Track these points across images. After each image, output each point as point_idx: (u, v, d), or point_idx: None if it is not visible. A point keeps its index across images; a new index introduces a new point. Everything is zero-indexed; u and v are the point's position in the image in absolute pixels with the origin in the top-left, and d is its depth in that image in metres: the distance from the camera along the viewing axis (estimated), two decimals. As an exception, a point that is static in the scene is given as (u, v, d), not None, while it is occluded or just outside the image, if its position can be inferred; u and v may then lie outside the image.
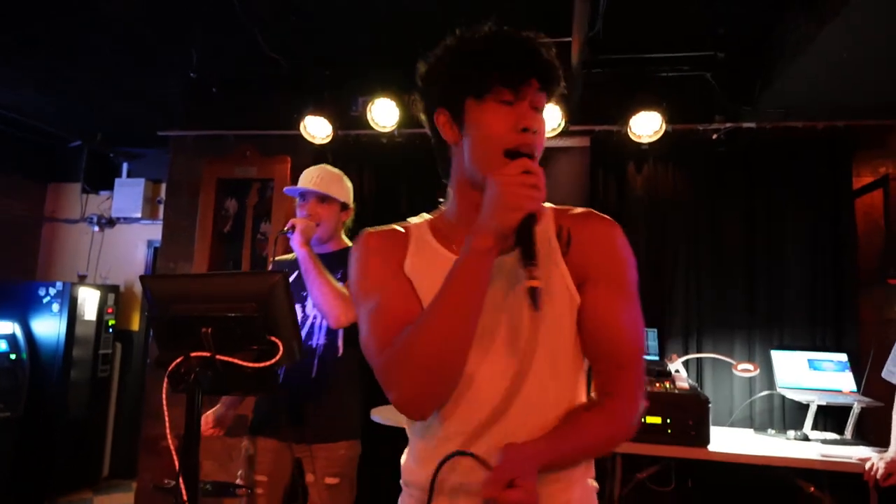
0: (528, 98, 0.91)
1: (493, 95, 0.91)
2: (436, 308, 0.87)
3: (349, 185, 2.14)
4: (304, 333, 1.97)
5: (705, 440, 2.44)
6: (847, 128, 3.03)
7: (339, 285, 1.88)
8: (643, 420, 2.47)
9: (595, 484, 1.02)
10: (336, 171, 2.13)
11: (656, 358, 3.01)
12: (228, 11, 2.79)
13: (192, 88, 3.71)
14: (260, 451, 1.97)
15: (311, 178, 2.06)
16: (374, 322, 0.95)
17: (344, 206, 2.10)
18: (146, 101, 4.04)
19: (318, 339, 1.96)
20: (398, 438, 1.12)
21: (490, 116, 0.91)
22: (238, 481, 2.01)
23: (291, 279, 2.05)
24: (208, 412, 2.06)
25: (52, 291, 4.17)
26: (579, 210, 1.01)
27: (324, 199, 2.04)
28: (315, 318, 1.99)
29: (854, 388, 2.74)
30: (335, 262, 1.97)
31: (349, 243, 2.11)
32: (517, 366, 0.92)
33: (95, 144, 4.74)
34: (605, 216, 1.00)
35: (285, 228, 1.95)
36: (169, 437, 1.31)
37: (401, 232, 1.05)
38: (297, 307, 1.98)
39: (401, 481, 1.06)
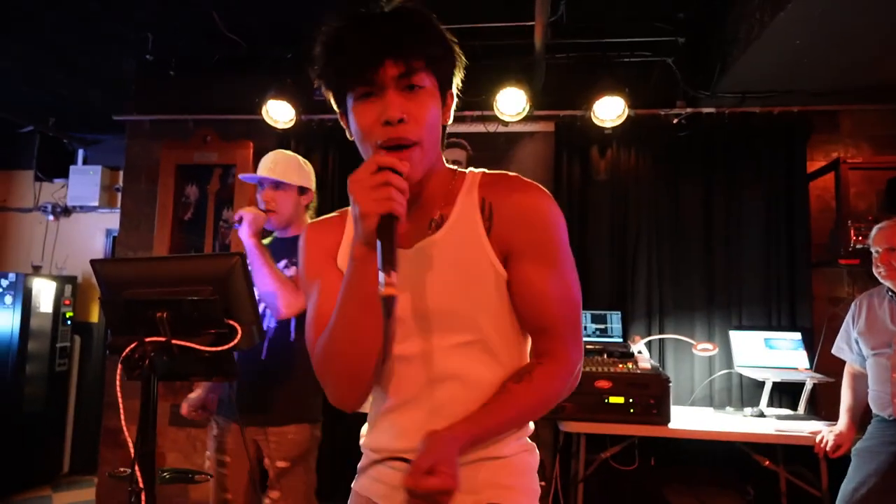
0: (391, 84, 0.86)
1: (355, 93, 0.88)
2: (336, 320, 0.89)
3: (309, 168, 2.12)
4: None
5: (666, 418, 2.50)
6: (801, 113, 3.11)
7: (287, 274, 1.92)
8: (606, 401, 2.54)
9: (531, 443, 1.05)
10: (292, 154, 2.10)
11: (620, 340, 3.07)
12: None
13: (148, 71, 3.59)
14: (224, 432, 1.99)
15: (266, 165, 2.05)
16: (309, 318, 0.98)
17: (302, 190, 2.08)
18: (101, 83, 3.89)
19: (269, 323, 1.97)
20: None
21: (357, 114, 0.89)
22: (206, 462, 2.02)
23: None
24: (189, 396, 2.06)
25: (4, 283, 4.02)
26: (504, 178, 0.98)
27: (278, 185, 2.02)
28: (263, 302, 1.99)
29: (807, 365, 2.85)
30: (295, 248, 1.95)
31: None
32: (448, 344, 0.95)
33: (48, 129, 4.55)
34: (530, 182, 0.97)
35: (234, 220, 1.95)
36: (123, 425, 1.28)
37: (338, 220, 1.05)
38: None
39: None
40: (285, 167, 2.05)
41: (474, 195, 0.96)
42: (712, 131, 3.21)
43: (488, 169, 1.02)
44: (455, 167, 1.02)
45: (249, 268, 1.87)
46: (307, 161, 2.14)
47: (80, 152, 4.83)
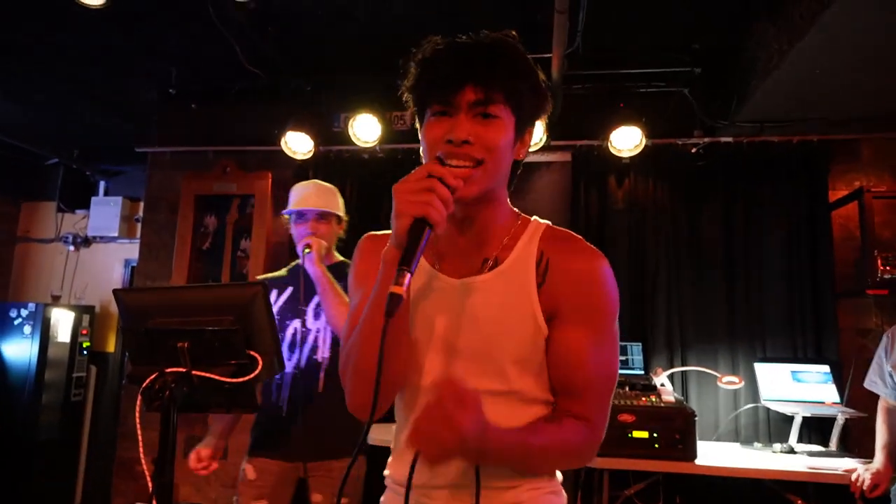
0: (464, 107, 0.88)
1: (432, 109, 0.91)
2: (362, 320, 0.90)
3: (341, 198, 2.14)
4: (307, 348, 1.96)
5: (693, 454, 2.42)
6: (821, 142, 3.09)
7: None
8: (629, 435, 2.47)
9: (558, 485, 1.02)
10: (329, 185, 2.12)
11: (641, 372, 3.00)
12: (205, 22, 2.77)
13: (170, 103, 3.67)
14: (260, 474, 1.90)
15: (308, 195, 2.04)
16: (346, 323, 1.00)
17: (339, 220, 2.09)
18: (124, 115, 3.98)
19: (323, 353, 1.93)
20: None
21: (428, 129, 0.92)
22: None
23: (286, 295, 2.03)
24: (199, 447, 1.95)
25: (24, 313, 4.05)
26: (567, 237, 0.98)
27: (323, 215, 2.02)
28: (318, 331, 1.97)
29: (837, 398, 2.76)
30: (335, 275, 1.95)
31: (341, 258, 2.11)
32: (472, 381, 0.89)
33: (72, 161, 4.65)
34: (591, 248, 0.97)
35: (304, 249, 1.91)
36: (142, 457, 1.26)
37: (383, 238, 1.06)
38: (296, 322, 1.98)
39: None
40: (327, 198, 2.06)
41: (534, 246, 0.96)
42: (731, 160, 3.19)
43: (518, 209, 1.03)
44: (519, 212, 1.02)
45: (319, 298, 1.89)
46: None
47: (102, 183, 4.91)
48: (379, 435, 2.64)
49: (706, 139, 3.21)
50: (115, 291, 1.44)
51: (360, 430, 2.02)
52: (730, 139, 3.18)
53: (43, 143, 4.46)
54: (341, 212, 2.10)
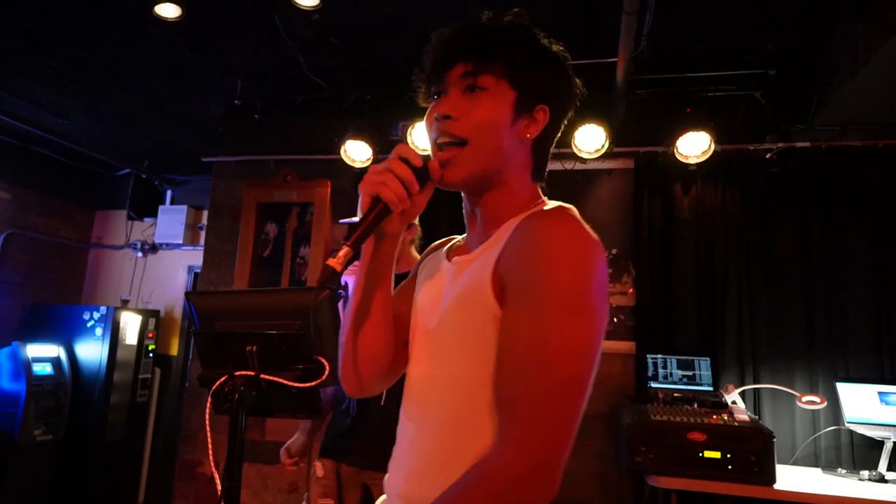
0: (455, 83, 0.84)
1: (431, 95, 0.89)
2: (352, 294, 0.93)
3: None
4: None
5: (771, 478, 2.26)
6: (910, 145, 2.88)
7: None
8: (699, 454, 2.33)
9: None
10: None
11: (710, 388, 2.85)
12: (270, 34, 2.83)
13: (235, 114, 3.78)
14: (327, 473, 1.95)
15: None
16: None
17: (407, 227, 2.09)
18: (190, 127, 4.13)
19: None
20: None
21: (427, 114, 0.89)
22: None
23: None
24: (289, 444, 2.06)
25: (96, 315, 4.23)
26: (550, 210, 0.83)
27: None
28: None
29: (931, 423, 2.53)
30: None
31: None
32: (438, 374, 0.85)
33: (142, 171, 4.86)
34: (566, 213, 0.79)
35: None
36: (211, 459, 1.26)
37: (442, 242, 1.07)
38: None
39: None
40: None
41: (518, 221, 0.82)
42: (808, 166, 3.01)
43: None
44: (545, 198, 0.91)
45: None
46: None
47: (168, 193, 5.11)
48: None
49: (780, 144, 3.04)
50: (187, 294, 1.46)
51: None
52: (807, 144, 3.00)
53: (116, 154, 4.69)
54: None
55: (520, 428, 0.68)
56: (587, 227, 0.77)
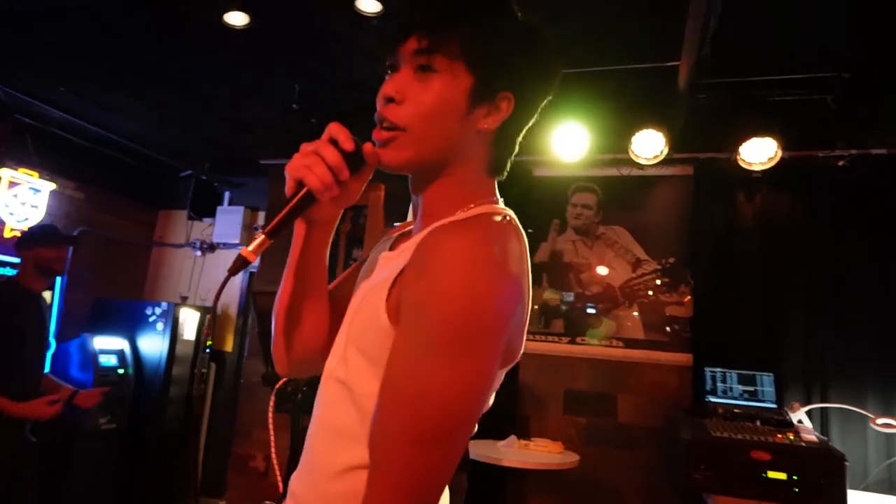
0: (407, 60, 0.73)
1: (385, 67, 0.79)
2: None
3: None
4: None
5: (842, 503, 2.15)
6: None
7: None
8: (763, 474, 2.23)
9: None
10: None
11: (773, 406, 2.73)
12: (332, 39, 2.88)
13: (292, 118, 3.86)
14: None
15: None
16: None
17: None
18: (249, 130, 4.25)
19: None
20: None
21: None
22: None
23: None
24: None
25: (158, 311, 4.41)
26: (466, 219, 0.74)
27: None
28: None
29: None
30: None
31: None
32: (335, 372, 0.77)
33: (203, 173, 5.04)
34: (476, 226, 0.71)
35: None
36: (274, 457, 1.28)
37: (402, 226, 0.99)
38: None
39: None
40: None
41: (437, 225, 0.74)
42: (883, 174, 2.86)
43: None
44: (496, 196, 0.81)
45: None
46: None
47: (227, 194, 5.29)
48: (482, 451, 2.59)
49: (853, 151, 2.89)
50: (252, 293, 1.49)
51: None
52: (882, 151, 2.85)
53: (178, 156, 4.88)
54: None
55: (381, 477, 0.63)
56: (506, 243, 0.68)
